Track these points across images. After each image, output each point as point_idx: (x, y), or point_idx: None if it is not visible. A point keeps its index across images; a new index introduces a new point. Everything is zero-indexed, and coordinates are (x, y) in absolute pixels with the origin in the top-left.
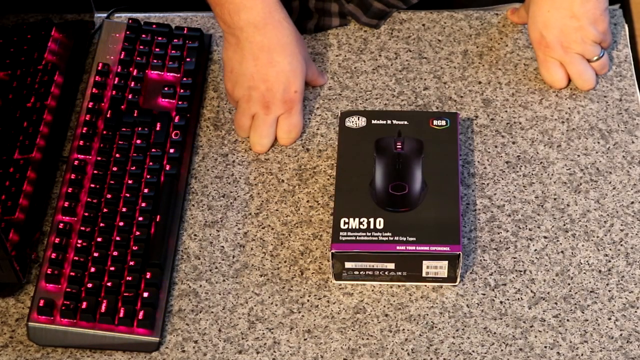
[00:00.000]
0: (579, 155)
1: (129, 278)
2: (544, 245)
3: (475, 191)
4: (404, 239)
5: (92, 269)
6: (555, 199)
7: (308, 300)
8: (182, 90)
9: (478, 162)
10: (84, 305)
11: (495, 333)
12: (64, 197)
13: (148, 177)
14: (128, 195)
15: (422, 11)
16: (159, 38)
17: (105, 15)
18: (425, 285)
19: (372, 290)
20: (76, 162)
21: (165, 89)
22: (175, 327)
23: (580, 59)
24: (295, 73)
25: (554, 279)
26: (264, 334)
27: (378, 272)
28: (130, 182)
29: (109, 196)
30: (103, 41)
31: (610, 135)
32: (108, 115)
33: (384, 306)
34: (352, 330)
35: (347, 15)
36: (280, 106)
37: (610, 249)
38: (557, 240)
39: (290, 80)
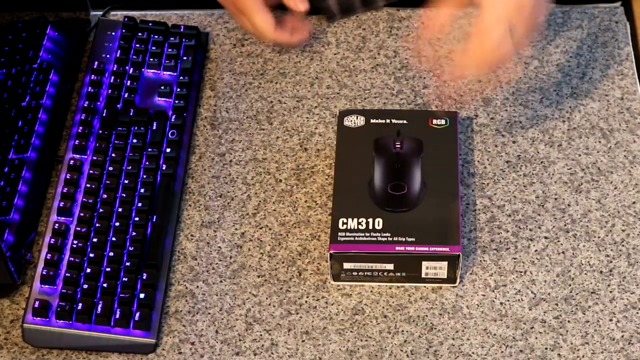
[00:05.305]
0: (580, 155)
1: (125, 279)
2: (545, 245)
3: (475, 191)
4: (403, 239)
5: (88, 270)
6: (556, 199)
7: (306, 302)
8: (178, 89)
9: (478, 161)
10: (80, 306)
11: (495, 334)
12: (60, 197)
13: (144, 176)
14: (124, 195)
15: (422, 9)
16: (156, 36)
17: (101, 13)
18: (425, 286)
19: (371, 291)
20: (72, 162)
21: (162, 87)
22: (171, 329)
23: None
24: None
25: (554, 280)
26: (261, 335)
27: (377, 273)
28: (126, 181)
29: (105, 196)
30: (99, 39)
31: (612, 134)
32: (104, 114)
33: (383, 307)
34: (351, 331)
35: None
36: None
37: (611, 250)
38: (558, 241)
39: None
